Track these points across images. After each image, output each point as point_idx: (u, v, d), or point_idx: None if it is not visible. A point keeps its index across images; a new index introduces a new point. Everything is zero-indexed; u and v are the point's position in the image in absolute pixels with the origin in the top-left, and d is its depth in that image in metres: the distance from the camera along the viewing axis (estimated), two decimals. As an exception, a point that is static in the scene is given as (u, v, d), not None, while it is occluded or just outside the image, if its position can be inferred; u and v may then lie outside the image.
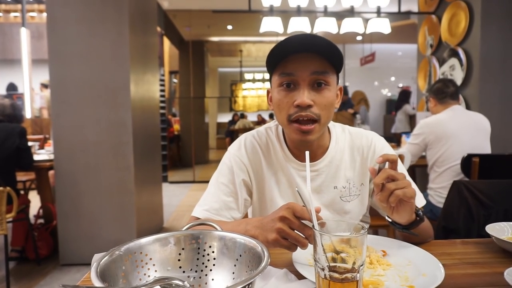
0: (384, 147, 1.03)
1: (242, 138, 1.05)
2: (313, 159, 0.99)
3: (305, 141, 0.91)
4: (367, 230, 0.57)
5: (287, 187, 1.01)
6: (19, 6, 8.44)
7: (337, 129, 1.05)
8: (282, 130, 1.04)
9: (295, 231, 0.72)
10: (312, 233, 0.69)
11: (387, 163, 0.79)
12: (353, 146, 1.03)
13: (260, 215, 1.03)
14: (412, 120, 5.95)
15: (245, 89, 14.04)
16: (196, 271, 0.62)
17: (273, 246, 0.74)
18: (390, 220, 0.88)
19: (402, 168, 0.92)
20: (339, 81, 0.97)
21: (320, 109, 0.88)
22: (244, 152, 1.02)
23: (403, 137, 3.27)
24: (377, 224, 2.18)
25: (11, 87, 7.26)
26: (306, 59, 0.88)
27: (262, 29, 3.62)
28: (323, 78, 0.88)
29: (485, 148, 2.31)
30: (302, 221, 0.72)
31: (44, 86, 6.69)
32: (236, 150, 1.03)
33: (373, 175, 0.79)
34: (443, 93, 2.37)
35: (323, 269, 0.55)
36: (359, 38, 8.17)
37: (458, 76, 3.21)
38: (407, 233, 0.86)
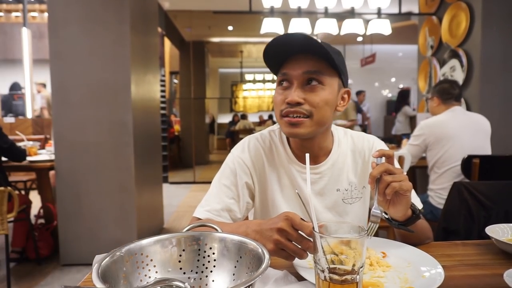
0: None
1: (245, 140, 1.06)
2: (316, 161, 1.00)
3: (294, 134, 0.92)
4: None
5: (290, 190, 1.01)
6: (20, 6, 8.44)
7: (339, 132, 1.06)
8: None
9: (293, 242, 0.72)
10: (310, 245, 0.69)
11: (383, 158, 0.81)
12: (355, 150, 1.04)
13: (261, 217, 1.04)
14: (412, 121, 5.95)
15: (246, 90, 14.07)
16: (196, 273, 0.63)
17: (271, 255, 0.74)
18: (387, 217, 0.89)
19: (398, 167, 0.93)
20: (347, 84, 0.98)
21: (311, 106, 0.90)
22: (248, 154, 1.02)
23: (404, 140, 3.27)
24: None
25: (15, 87, 7.24)
26: (302, 59, 0.91)
27: (262, 30, 3.63)
28: (316, 77, 0.90)
29: (486, 149, 2.31)
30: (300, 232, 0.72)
31: (42, 85, 6.69)
32: (240, 152, 1.03)
33: (373, 168, 0.81)
34: (449, 94, 2.37)
35: (323, 271, 0.56)
36: (359, 39, 8.17)
37: (458, 77, 3.21)
38: (403, 229, 0.87)
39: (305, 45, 0.89)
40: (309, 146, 0.98)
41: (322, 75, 0.90)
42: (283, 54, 0.92)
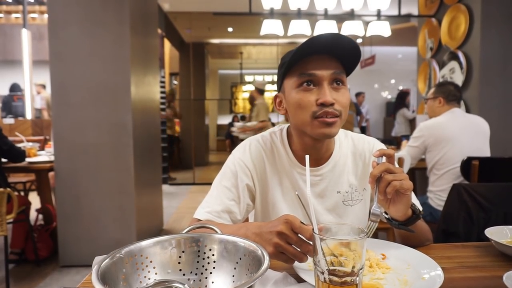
0: None
1: (246, 142, 1.05)
2: (318, 163, 1.00)
3: (329, 134, 0.90)
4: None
5: (291, 192, 1.01)
6: (20, 7, 8.44)
7: (340, 134, 1.06)
8: (286, 135, 1.04)
9: (293, 245, 0.72)
10: (310, 249, 0.69)
11: (384, 158, 0.81)
12: (355, 152, 1.04)
13: (262, 219, 1.04)
14: (412, 123, 5.96)
15: (246, 91, 14.04)
16: (196, 274, 0.63)
17: (271, 258, 0.74)
18: (387, 217, 0.89)
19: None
20: None
21: (341, 106, 0.90)
22: (249, 156, 1.02)
23: (404, 142, 3.28)
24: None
25: (15, 88, 7.23)
26: (326, 59, 0.89)
27: (262, 32, 3.63)
28: (340, 78, 0.90)
29: (485, 151, 2.32)
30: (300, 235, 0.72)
31: (42, 86, 6.69)
32: (241, 154, 1.03)
33: (374, 168, 0.82)
34: (454, 96, 2.39)
35: (322, 273, 0.56)
36: (359, 40, 8.17)
37: (458, 79, 3.22)
38: (404, 229, 0.87)
39: (333, 47, 0.87)
40: (319, 147, 0.98)
41: (343, 75, 0.91)
42: (303, 53, 0.88)
